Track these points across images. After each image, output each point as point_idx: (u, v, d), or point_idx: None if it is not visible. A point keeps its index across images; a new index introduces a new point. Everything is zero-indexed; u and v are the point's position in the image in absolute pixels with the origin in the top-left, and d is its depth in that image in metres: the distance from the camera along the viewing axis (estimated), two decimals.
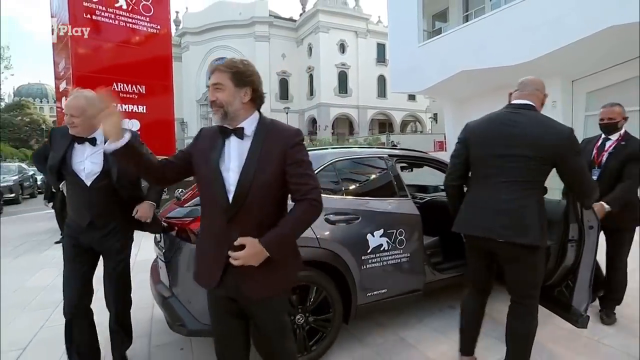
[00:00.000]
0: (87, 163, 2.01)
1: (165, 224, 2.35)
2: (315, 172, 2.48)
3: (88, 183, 2.00)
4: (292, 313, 2.22)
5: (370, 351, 2.44)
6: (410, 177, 4.17)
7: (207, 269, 1.43)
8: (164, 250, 2.42)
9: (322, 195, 2.48)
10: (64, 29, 10.39)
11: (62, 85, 10.47)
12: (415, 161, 3.29)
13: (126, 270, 2.23)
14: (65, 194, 2.15)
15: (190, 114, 38.92)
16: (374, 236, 2.48)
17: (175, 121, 13.49)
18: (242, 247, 1.29)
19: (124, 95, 10.62)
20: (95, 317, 2.19)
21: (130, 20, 10.74)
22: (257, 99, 1.40)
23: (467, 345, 2.11)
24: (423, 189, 4.48)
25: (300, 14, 39.95)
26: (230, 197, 1.33)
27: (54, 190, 2.14)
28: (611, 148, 2.65)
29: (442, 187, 3.61)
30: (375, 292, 2.50)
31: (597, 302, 2.89)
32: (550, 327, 2.63)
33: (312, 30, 37.11)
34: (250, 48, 37.89)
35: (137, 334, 2.72)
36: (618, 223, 2.61)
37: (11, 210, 10.84)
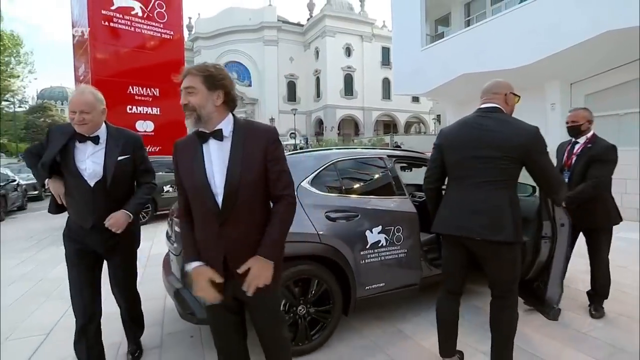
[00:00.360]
0: (89, 163, 1.87)
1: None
2: (317, 171, 2.56)
3: (92, 184, 1.86)
4: (294, 304, 2.28)
5: (368, 341, 2.48)
6: (410, 177, 4.21)
7: None
8: (174, 245, 2.48)
9: (324, 193, 2.55)
10: (83, 35, 10.58)
11: None
12: (413, 161, 3.32)
13: (132, 272, 2.15)
14: (59, 196, 1.94)
15: None
16: (372, 233, 2.51)
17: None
18: (245, 273, 1.30)
19: (139, 97, 10.80)
20: (108, 308, 2.14)
21: (145, 26, 10.91)
22: (229, 102, 1.38)
23: (446, 346, 2.08)
24: (421, 187, 4.49)
25: (308, 19, 39.93)
26: (219, 200, 1.32)
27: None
28: (579, 150, 2.72)
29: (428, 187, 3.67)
30: (373, 286, 2.53)
31: (583, 297, 2.91)
32: (540, 319, 2.66)
33: (319, 35, 37.08)
34: (259, 52, 38.03)
35: (151, 322, 2.82)
36: (595, 224, 2.68)
37: (35, 206, 11.09)
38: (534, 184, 2.91)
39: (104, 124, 1.94)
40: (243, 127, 1.38)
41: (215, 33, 39.34)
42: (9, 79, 26.12)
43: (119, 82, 10.38)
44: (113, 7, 10.28)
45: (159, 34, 11.33)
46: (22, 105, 29.99)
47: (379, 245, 2.54)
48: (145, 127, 10.81)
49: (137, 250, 2.22)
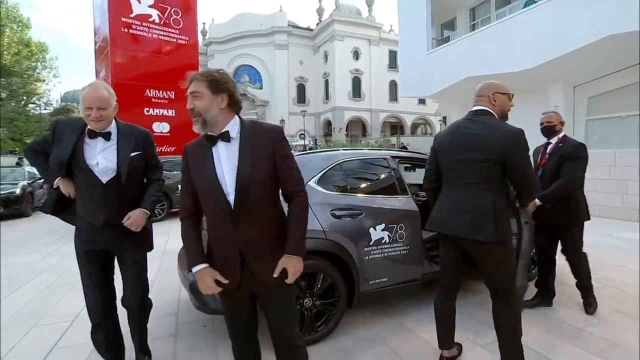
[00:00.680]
0: (100, 158, 1.76)
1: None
2: (324, 171, 2.61)
3: (104, 180, 1.76)
4: (300, 297, 2.33)
5: (371, 333, 2.52)
6: (414, 177, 4.23)
7: (224, 273, 1.39)
8: None
9: (329, 192, 2.59)
10: (104, 41, 10.81)
11: None
12: (416, 162, 3.34)
13: (142, 273, 1.96)
14: (69, 194, 1.84)
15: None
16: (376, 230, 2.55)
17: None
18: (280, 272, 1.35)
19: (156, 100, 10.98)
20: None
21: (162, 32, 11.08)
22: (234, 104, 1.37)
23: (445, 339, 2.11)
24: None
25: (317, 24, 39.94)
26: (231, 199, 1.32)
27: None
28: (551, 150, 2.77)
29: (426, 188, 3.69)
30: (376, 281, 2.57)
31: (580, 294, 2.90)
32: (536, 315, 2.68)
33: (328, 39, 37.06)
34: (270, 56, 38.19)
35: (166, 312, 2.92)
36: (567, 220, 2.70)
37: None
38: None
39: (114, 119, 1.85)
40: (249, 127, 1.38)
41: (228, 38, 39.63)
42: (35, 83, 26.75)
43: (137, 86, 10.58)
44: (132, 15, 10.47)
45: (174, 40, 11.49)
46: (47, 108, 30.62)
47: (382, 242, 2.57)
48: (161, 128, 10.99)
49: (153, 245, 2.11)
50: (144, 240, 1.97)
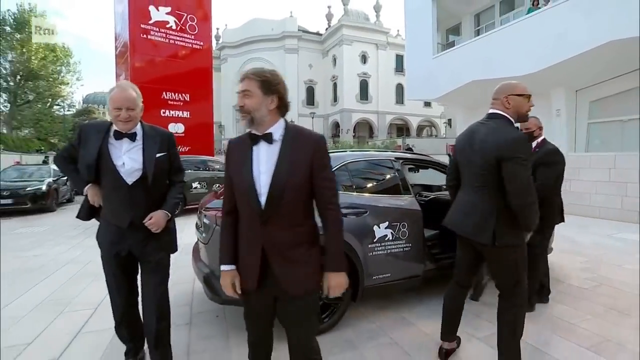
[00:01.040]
0: (126, 159, 1.71)
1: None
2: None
3: (130, 181, 1.71)
4: None
5: (374, 326, 2.56)
6: (417, 177, 4.25)
7: (245, 272, 1.37)
8: (203, 234, 2.62)
9: None
10: (124, 47, 11.01)
11: None
12: (420, 164, 3.37)
13: (164, 279, 1.87)
14: (95, 201, 1.79)
15: (227, 118, 39.75)
16: (379, 228, 2.58)
17: (214, 124, 14.03)
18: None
19: (172, 102, 11.16)
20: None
21: (178, 38, 11.26)
22: (282, 107, 1.34)
23: (447, 332, 2.12)
24: (428, 187, 4.53)
25: (326, 29, 39.91)
26: (262, 200, 1.28)
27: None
28: None
29: (445, 186, 3.71)
30: (380, 276, 2.59)
31: (576, 291, 2.90)
32: (534, 312, 2.68)
33: (337, 43, 37.01)
34: (280, 59, 38.27)
35: (182, 302, 3.00)
36: (540, 224, 2.65)
37: (81, 199, 11.57)
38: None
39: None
40: (293, 132, 1.34)
41: (241, 42, 39.88)
42: (60, 86, 27.37)
43: (154, 88, 10.76)
44: (151, 22, 10.68)
45: (190, 45, 11.66)
46: (70, 109, 31.35)
47: (386, 239, 2.60)
48: (176, 128, 11.16)
49: (177, 247, 2.01)
50: (170, 243, 1.91)
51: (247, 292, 1.38)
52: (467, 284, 2.08)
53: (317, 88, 40.25)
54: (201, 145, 11.28)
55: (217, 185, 8.26)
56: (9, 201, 8.11)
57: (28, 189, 8.43)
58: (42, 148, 23.97)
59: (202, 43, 11.83)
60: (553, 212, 2.68)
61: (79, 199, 11.26)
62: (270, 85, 1.29)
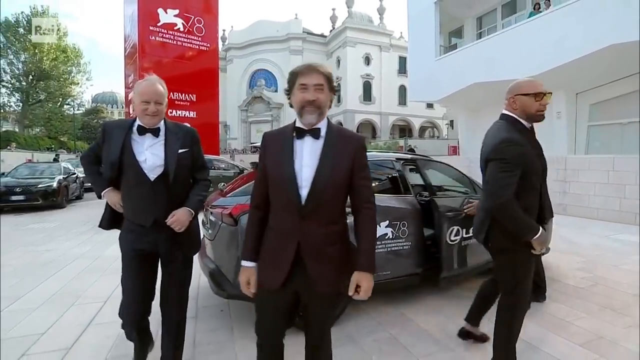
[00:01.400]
0: (148, 154, 1.64)
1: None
2: None
3: (152, 177, 1.63)
4: None
5: (374, 321, 2.59)
6: (417, 177, 4.25)
7: (273, 267, 1.31)
8: (209, 231, 2.66)
9: None
10: (133, 48, 11.12)
11: (131, 94, 11.32)
12: (419, 164, 3.38)
13: (186, 282, 1.83)
14: (116, 205, 1.73)
15: (232, 118, 39.95)
16: (380, 226, 2.59)
17: (219, 124, 14.10)
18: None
19: (179, 102, 11.23)
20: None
21: (185, 40, 11.33)
22: (330, 105, 1.34)
23: (473, 318, 2.17)
24: (429, 187, 4.53)
25: (330, 31, 39.92)
26: (303, 193, 1.25)
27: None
28: None
29: (446, 187, 3.72)
30: (380, 273, 2.60)
31: (572, 290, 2.92)
32: (529, 309, 2.68)
33: (341, 45, 37.01)
34: (285, 61, 38.34)
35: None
36: None
37: (91, 196, 11.66)
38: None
39: None
40: (335, 130, 1.33)
41: (246, 43, 40.02)
42: (70, 86, 27.65)
43: None
44: (159, 24, 10.76)
45: (197, 46, 11.73)
46: (80, 108, 31.66)
47: (386, 237, 2.62)
48: None
49: (200, 244, 1.99)
50: (195, 243, 1.84)
51: (268, 288, 1.32)
52: None
53: None
54: (207, 145, 11.27)
55: (223, 184, 8.30)
56: (21, 197, 8.24)
57: (39, 186, 8.55)
58: (53, 146, 24.23)
59: (208, 44, 11.89)
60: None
61: (88, 196, 11.42)
62: (332, 82, 1.30)
